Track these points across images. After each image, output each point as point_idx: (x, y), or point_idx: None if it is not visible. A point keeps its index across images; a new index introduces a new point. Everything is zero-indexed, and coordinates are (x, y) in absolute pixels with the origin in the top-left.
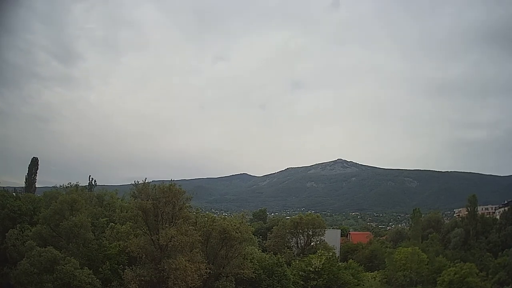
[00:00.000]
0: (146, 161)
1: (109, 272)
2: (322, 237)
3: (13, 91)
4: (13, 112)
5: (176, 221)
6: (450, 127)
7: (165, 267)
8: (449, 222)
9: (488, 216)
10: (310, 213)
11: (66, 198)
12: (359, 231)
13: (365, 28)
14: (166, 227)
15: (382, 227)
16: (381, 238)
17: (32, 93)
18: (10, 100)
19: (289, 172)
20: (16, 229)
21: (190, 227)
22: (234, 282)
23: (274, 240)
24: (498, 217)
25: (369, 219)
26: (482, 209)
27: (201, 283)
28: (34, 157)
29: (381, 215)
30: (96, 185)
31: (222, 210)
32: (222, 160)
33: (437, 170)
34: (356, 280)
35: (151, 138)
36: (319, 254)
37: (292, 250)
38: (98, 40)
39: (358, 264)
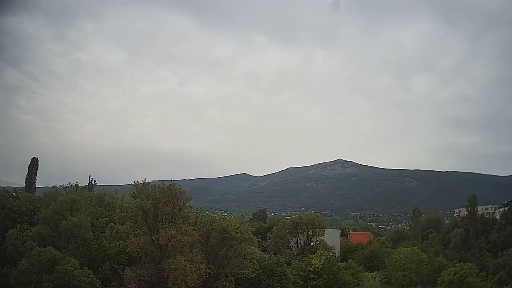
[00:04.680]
0: (146, 161)
1: (109, 272)
2: (322, 237)
3: None
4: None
5: (176, 221)
6: (451, 126)
7: (165, 267)
8: (449, 222)
9: (488, 216)
10: (310, 213)
11: (65, 198)
12: (359, 231)
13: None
14: (166, 227)
15: (382, 227)
16: (381, 238)
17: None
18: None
19: (289, 172)
20: (16, 229)
21: (190, 227)
22: (234, 282)
23: (274, 240)
24: (498, 217)
25: (369, 219)
26: (482, 209)
27: (201, 283)
28: (34, 157)
29: (381, 215)
30: (96, 185)
31: (222, 210)
32: (222, 160)
33: (437, 170)
34: (356, 280)
35: (151, 138)
36: (319, 254)
37: (292, 250)
38: None
39: (358, 264)
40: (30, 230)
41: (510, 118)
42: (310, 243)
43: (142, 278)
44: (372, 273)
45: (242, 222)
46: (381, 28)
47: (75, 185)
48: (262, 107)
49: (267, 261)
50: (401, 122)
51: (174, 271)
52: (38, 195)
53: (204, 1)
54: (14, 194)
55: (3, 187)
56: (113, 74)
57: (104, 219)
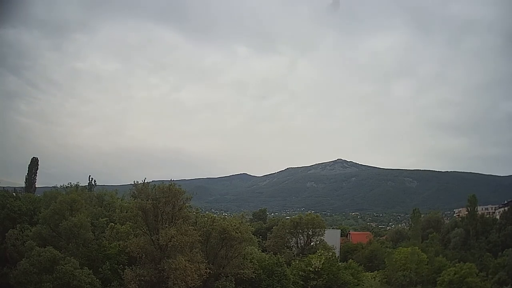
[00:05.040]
0: (146, 161)
1: (109, 272)
2: (322, 237)
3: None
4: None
5: (176, 221)
6: (450, 126)
7: (165, 267)
8: (449, 222)
9: (488, 216)
10: (310, 213)
11: (66, 198)
12: (359, 231)
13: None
14: (166, 227)
15: (382, 227)
16: (381, 238)
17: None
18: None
19: (289, 172)
20: (16, 229)
21: (190, 227)
22: (234, 282)
23: (274, 240)
24: (498, 217)
25: (369, 219)
26: (482, 209)
27: (201, 283)
28: (34, 157)
29: (381, 215)
30: (96, 185)
31: (222, 210)
32: (222, 160)
33: (437, 170)
34: (356, 280)
35: (149, 139)
36: (319, 254)
37: (292, 250)
38: None
39: (358, 264)
40: (30, 230)
41: (497, 120)
42: (310, 243)
43: (142, 278)
44: (372, 273)
45: (242, 222)
46: (357, 38)
47: (75, 185)
48: (252, 111)
49: (267, 261)
50: (402, 122)
51: (174, 271)
52: (38, 195)
53: (189, 16)
54: (14, 194)
55: (3, 187)
56: (108, 81)
57: (104, 219)
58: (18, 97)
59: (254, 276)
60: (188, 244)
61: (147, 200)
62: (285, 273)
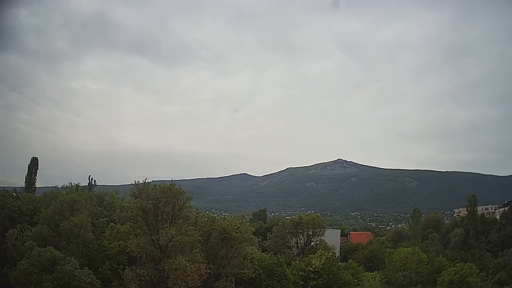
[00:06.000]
0: (146, 161)
1: (109, 272)
2: (322, 237)
3: None
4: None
5: (176, 221)
6: (450, 126)
7: (165, 267)
8: (449, 222)
9: (488, 216)
10: (310, 213)
11: (66, 198)
12: (359, 231)
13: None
14: (166, 227)
15: (382, 227)
16: (381, 238)
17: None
18: None
19: (289, 172)
20: (16, 229)
21: (190, 227)
22: (234, 282)
23: (274, 240)
24: (498, 217)
25: (369, 219)
26: (482, 209)
27: (201, 283)
28: (34, 157)
29: (381, 215)
30: (96, 185)
31: (222, 210)
32: (222, 160)
33: (437, 170)
34: (356, 280)
35: (151, 138)
36: (319, 254)
37: (292, 250)
38: None
39: (358, 264)
40: (30, 230)
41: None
42: (310, 243)
43: (142, 278)
44: (372, 273)
45: (242, 222)
46: (301, 63)
47: (76, 185)
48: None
49: (267, 261)
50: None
51: (174, 271)
52: (38, 195)
53: (154, 48)
54: (14, 194)
55: (3, 187)
56: (99, 98)
57: (104, 219)
58: (19, 109)
59: (254, 276)
60: (188, 244)
61: (148, 200)
62: (285, 273)
